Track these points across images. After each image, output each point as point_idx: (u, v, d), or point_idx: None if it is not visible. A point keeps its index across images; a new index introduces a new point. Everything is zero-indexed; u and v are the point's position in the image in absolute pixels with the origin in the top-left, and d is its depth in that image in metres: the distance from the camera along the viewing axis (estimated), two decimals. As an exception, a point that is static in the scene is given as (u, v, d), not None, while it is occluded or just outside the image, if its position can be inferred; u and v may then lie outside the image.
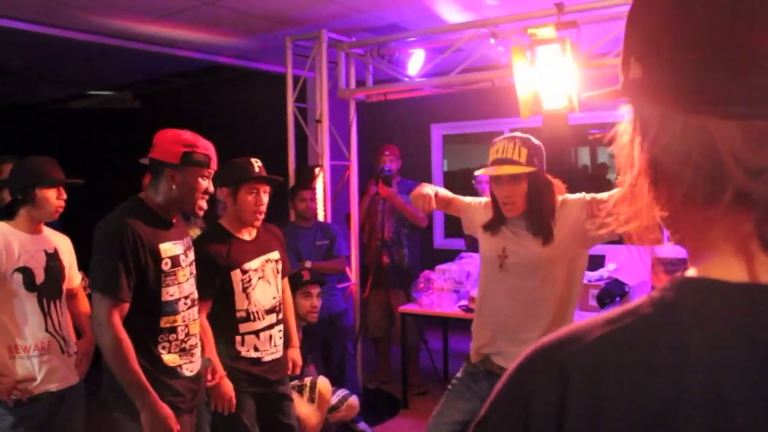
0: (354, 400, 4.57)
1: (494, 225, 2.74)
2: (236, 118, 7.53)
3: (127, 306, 2.40)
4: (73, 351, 3.05)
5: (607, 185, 7.71)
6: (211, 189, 2.60)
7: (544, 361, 0.65)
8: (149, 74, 7.66)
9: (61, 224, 3.48)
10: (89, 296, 3.21)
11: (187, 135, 2.54)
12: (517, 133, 2.69)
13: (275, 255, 3.18)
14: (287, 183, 5.10)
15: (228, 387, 2.93)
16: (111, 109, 9.20)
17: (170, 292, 2.51)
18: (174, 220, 2.60)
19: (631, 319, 0.63)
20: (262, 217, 3.10)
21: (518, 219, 2.67)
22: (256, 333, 3.06)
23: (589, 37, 4.35)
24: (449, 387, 2.86)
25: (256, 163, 3.09)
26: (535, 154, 2.60)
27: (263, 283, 3.09)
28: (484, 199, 2.92)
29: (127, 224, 2.39)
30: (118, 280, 2.35)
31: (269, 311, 3.11)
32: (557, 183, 2.70)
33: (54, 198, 2.93)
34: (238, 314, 3.02)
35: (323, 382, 4.14)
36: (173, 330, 2.53)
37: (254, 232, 3.13)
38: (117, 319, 2.35)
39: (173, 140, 2.51)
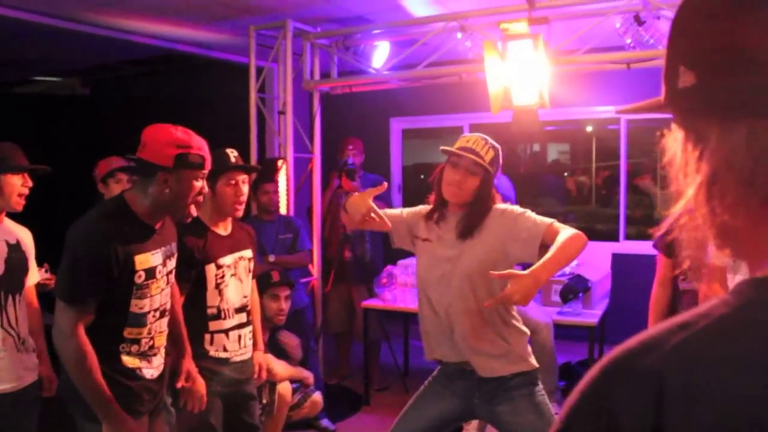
0: (317, 396, 4.53)
1: (434, 214, 2.73)
2: (192, 109, 7.30)
3: (91, 317, 2.26)
4: (30, 348, 2.90)
5: (560, 181, 7.88)
6: (206, 190, 2.45)
7: (628, 369, 0.64)
8: (99, 60, 7.40)
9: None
10: (48, 297, 3.07)
11: (180, 134, 2.35)
12: (485, 136, 2.72)
13: (248, 253, 3.11)
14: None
15: (200, 385, 2.84)
16: (58, 95, 8.87)
17: (140, 305, 2.36)
18: (158, 226, 2.42)
19: (707, 320, 0.62)
20: (242, 207, 3.02)
21: (451, 215, 2.67)
22: (226, 332, 2.97)
23: (559, 33, 4.39)
24: (424, 385, 2.82)
25: (232, 153, 3.00)
26: (496, 161, 2.65)
27: (235, 280, 3.01)
28: (420, 207, 2.87)
29: (103, 232, 2.22)
30: (85, 292, 2.21)
31: (239, 310, 3.03)
32: (498, 198, 2.76)
33: (19, 185, 2.77)
34: (209, 311, 2.93)
35: (283, 385, 4.08)
36: (136, 341, 2.39)
37: (229, 228, 3.05)
38: (81, 331, 2.21)
39: (166, 141, 2.31)
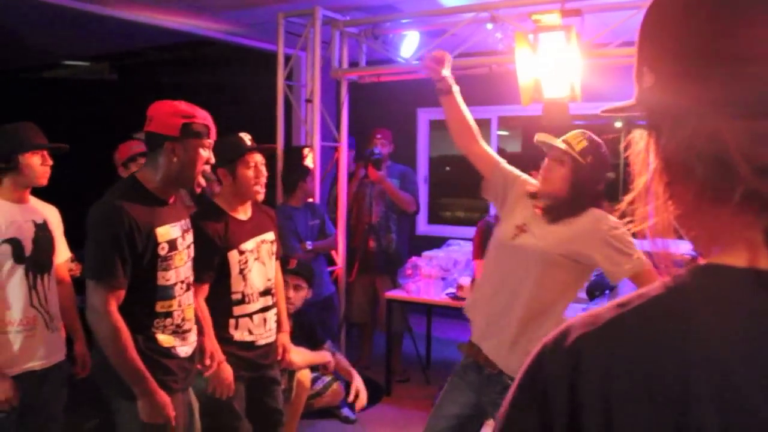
0: (339, 386, 4.52)
1: (532, 196, 2.68)
2: (219, 96, 7.35)
3: (123, 293, 2.31)
4: (59, 327, 2.93)
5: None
6: (212, 159, 2.51)
7: (556, 347, 0.68)
8: (127, 46, 7.43)
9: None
10: (78, 280, 3.10)
11: (184, 106, 2.44)
12: (588, 132, 2.64)
13: (270, 236, 3.11)
14: (275, 162, 4.99)
15: (227, 372, 2.86)
16: (86, 80, 8.93)
17: (167, 277, 2.43)
18: (171, 201, 2.49)
19: (641, 300, 0.67)
20: (263, 190, 3.03)
21: (546, 209, 2.61)
22: (250, 316, 2.98)
23: (591, 26, 4.31)
24: (449, 379, 2.80)
25: (246, 137, 3.01)
26: (590, 153, 2.55)
27: (258, 264, 3.01)
28: (521, 175, 2.83)
29: (122, 208, 2.29)
30: (114, 268, 2.26)
31: (263, 293, 3.04)
32: (605, 204, 2.62)
33: (38, 164, 2.82)
34: (233, 296, 2.93)
35: (302, 372, 4.08)
36: (169, 314, 2.46)
37: (249, 212, 3.04)
38: (114, 308, 2.27)
39: (170, 112, 2.40)
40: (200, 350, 2.74)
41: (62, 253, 3.02)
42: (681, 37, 0.67)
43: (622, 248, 2.47)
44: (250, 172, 2.95)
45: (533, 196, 2.67)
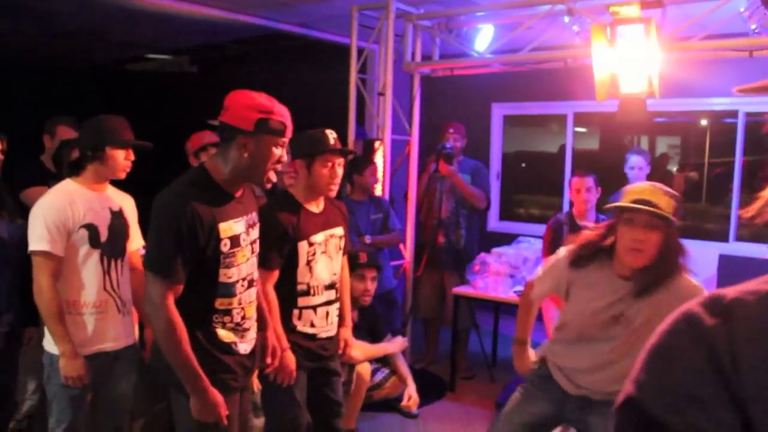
0: (398, 378, 4.52)
1: (591, 259, 2.49)
2: (293, 89, 7.46)
3: (181, 287, 2.26)
4: (130, 311, 3.02)
5: (669, 177, 7.49)
6: (285, 158, 2.41)
7: (709, 309, 0.66)
8: (207, 40, 7.62)
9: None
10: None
11: (263, 99, 2.33)
12: (657, 184, 2.43)
13: (339, 231, 3.12)
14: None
15: (291, 360, 2.89)
16: (168, 73, 9.22)
17: (228, 274, 2.36)
18: (238, 194, 2.41)
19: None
20: (336, 188, 3.03)
21: (627, 276, 2.42)
22: (314, 308, 3.00)
23: (673, 18, 4.14)
24: (518, 390, 2.74)
25: (331, 135, 2.99)
26: (679, 208, 2.35)
27: (325, 258, 3.02)
28: (553, 262, 2.69)
29: (187, 202, 2.21)
30: (173, 262, 2.20)
31: (328, 287, 3.05)
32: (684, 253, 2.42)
33: (122, 158, 2.89)
34: (299, 287, 2.96)
35: (363, 365, 4.11)
36: (228, 312, 2.40)
37: (321, 205, 3.06)
38: (171, 302, 2.22)
39: (248, 105, 2.29)
40: (262, 346, 2.71)
41: (136, 240, 3.11)
42: None
43: None
44: (326, 171, 2.94)
45: (585, 257, 2.50)
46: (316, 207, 3.03)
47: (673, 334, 0.68)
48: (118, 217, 2.95)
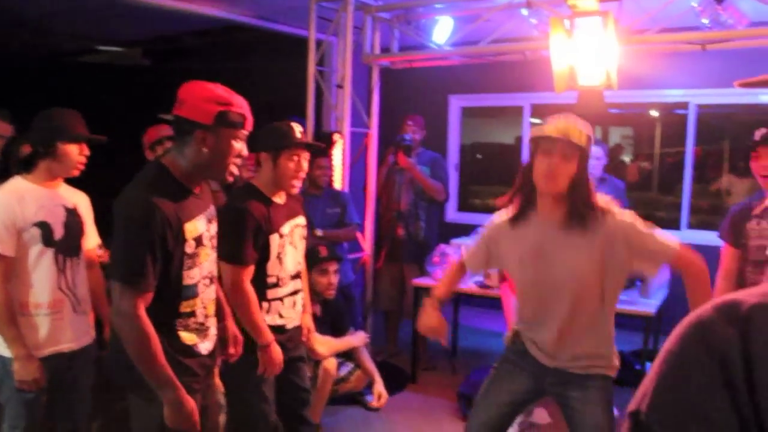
0: (362, 372, 4.52)
1: (521, 215, 2.55)
2: (249, 81, 7.35)
3: (151, 295, 2.16)
4: (87, 311, 2.95)
5: (622, 167, 7.63)
6: (245, 152, 2.34)
7: (726, 316, 0.65)
8: (161, 32, 7.47)
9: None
10: (104, 266, 3.12)
11: (221, 91, 2.24)
12: (572, 116, 2.54)
13: (302, 220, 3.11)
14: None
15: (278, 353, 2.86)
16: (120, 66, 9.01)
17: (191, 275, 2.28)
18: (197, 190, 2.33)
19: None
20: (299, 184, 3.00)
21: (547, 212, 2.50)
22: (281, 299, 2.99)
23: (629, 12, 4.21)
24: (493, 372, 2.75)
25: (297, 129, 2.96)
26: (589, 143, 2.47)
27: (291, 248, 3.01)
28: (494, 222, 2.71)
29: (155, 206, 2.10)
30: (145, 270, 2.09)
31: (294, 276, 3.04)
32: (592, 188, 2.53)
33: (76, 153, 2.81)
34: (269, 279, 2.93)
35: (328, 360, 4.10)
36: (192, 314, 2.33)
37: (284, 196, 3.03)
38: (143, 311, 2.11)
39: (205, 97, 2.19)
40: (222, 339, 2.65)
41: (91, 238, 3.03)
42: None
43: (645, 238, 2.43)
44: (292, 165, 2.92)
45: (521, 214, 2.56)
46: (280, 198, 3.00)
47: (686, 342, 0.67)
48: (72, 214, 2.87)
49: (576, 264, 2.44)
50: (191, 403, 2.23)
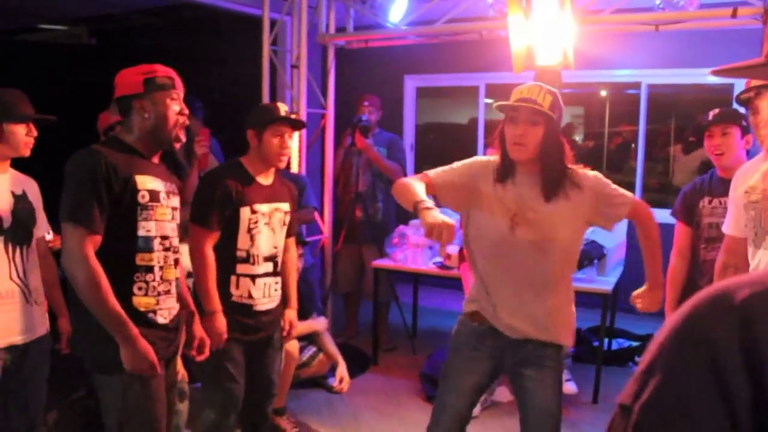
0: (325, 356, 4.51)
1: (503, 175, 2.54)
2: (202, 62, 7.20)
3: (99, 239, 2.26)
4: (40, 301, 2.85)
5: (575, 146, 7.74)
6: (186, 111, 2.48)
7: (721, 307, 0.64)
8: (106, 10, 7.23)
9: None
10: (58, 254, 3.01)
11: (144, 64, 2.44)
12: (538, 82, 2.57)
13: (285, 206, 3.13)
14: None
15: (221, 323, 2.85)
16: (64, 44, 8.70)
17: (147, 227, 2.37)
18: (155, 160, 2.48)
19: None
20: (286, 159, 3.07)
21: (526, 175, 2.51)
22: (253, 278, 2.99)
23: (585, -8, 4.24)
24: (449, 359, 2.72)
25: (282, 107, 3.07)
26: (556, 106, 2.47)
27: (268, 229, 3.02)
28: (476, 160, 2.68)
29: (100, 153, 2.28)
30: (91, 211, 2.22)
31: (268, 258, 3.04)
32: (567, 150, 2.55)
33: (23, 134, 2.70)
34: (239, 253, 2.95)
35: (291, 343, 4.06)
36: (149, 269, 2.38)
37: (271, 179, 3.07)
38: (91, 252, 2.22)
39: (131, 72, 2.42)
40: (188, 334, 2.70)
41: (42, 226, 2.93)
42: None
43: (610, 193, 2.49)
44: (276, 140, 2.99)
45: (504, 172, 2.55)
46: (264, 179, 3.05)
47: (678, 335, 0.66)
48: (21, 200, 2.75)
49: (550, 229, 2.47)
50: (145, 343, 2.30)
